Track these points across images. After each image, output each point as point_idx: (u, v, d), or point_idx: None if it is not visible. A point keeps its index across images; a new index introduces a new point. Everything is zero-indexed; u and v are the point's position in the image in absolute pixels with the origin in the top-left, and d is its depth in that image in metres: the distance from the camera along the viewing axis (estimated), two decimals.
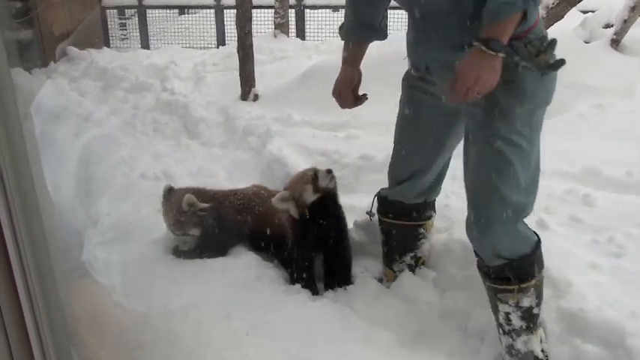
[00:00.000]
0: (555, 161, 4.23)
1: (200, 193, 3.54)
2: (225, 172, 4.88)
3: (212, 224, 3.49)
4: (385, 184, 4.07)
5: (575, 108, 5.24)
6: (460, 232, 3.00)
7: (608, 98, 5.31)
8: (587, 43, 6.41)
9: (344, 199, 4.12)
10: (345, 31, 2.77)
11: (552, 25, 7.46)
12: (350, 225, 3.63)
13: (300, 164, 4.66)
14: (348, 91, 2.84)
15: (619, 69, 5.78)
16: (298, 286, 3.26)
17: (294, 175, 3.40)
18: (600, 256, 3.20)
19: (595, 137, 4.67)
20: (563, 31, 6.30)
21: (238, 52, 6.55)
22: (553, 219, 3.49)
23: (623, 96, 5.37)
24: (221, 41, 10.22)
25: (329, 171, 3.17)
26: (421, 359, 2.68)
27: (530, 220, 3.45)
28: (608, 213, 3.55)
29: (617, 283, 3.01)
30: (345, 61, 2.80)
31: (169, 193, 3.51)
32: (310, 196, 3.11)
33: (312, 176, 3.12)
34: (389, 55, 6.17)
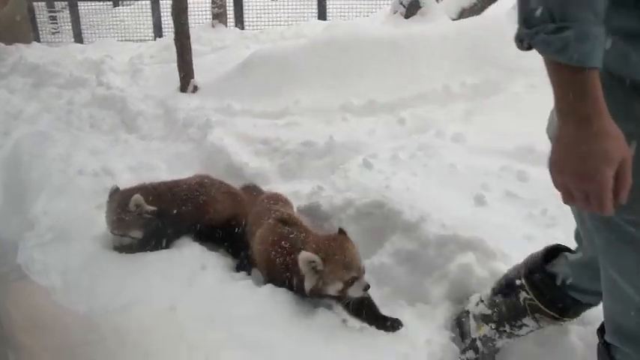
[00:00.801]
0: (491, 140, 4.36)
1: (146, 191, 3.47)
2: (166, 165, 4.81)
3: (156, 226, 3.43)
4: (327, 171, 4.08)
5: (510, 88, 5.40)
6: None
7: (539, 78, 5.46)
8: None
9: (287, 186, 4.16)
10: (588, 45, 1.32)
11: (487, 7, 7.67)
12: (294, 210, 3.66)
13: (241, 154, 4.65)
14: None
15: None
16: (244, 272, 3.26)
17: (337, 243, 2.85)
18: (535, 228, 3.31)
19: (529, 116, 4.79)
20: (497, 14, 6.47)
21: (176, 43, 6.46)
22: (490, 195, 3.59)
23: None
24: (158, 33, 10.05)
25: (367, 288, 2.78)
26: (365, 338, 2.72)
27: (469, 197, 3.58)
28: (541, 187, 3.66)
29: None
30: (599, 113, 1.37)
31: (115, 193, 3.44)
32: (332, 290, 2.79)
33: (349, 281, 2.75)
34: (329, 41, 6.24)
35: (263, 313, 2.72)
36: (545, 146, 4.13)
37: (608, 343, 1.90)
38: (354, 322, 2.85)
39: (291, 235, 3.01)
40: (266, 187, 4.14)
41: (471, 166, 3.95)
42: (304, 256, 2.76)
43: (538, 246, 3.16)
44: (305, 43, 6.48)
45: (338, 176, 4.00)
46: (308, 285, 2.80)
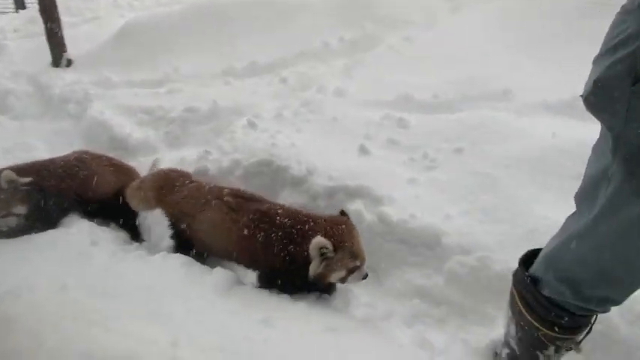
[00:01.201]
0: (371, 92, 4.52)
1: (18, 169, 3.32)
2: (45, 144, 4.59)
3: (38, 198, 3.30)
4: (213, 135, 4.07)
5: (387, 41, 5.57)
6: None
7: (414, 30, 5.70)
8: None
9: (174, 154, 4.11)
10: None
11: None
12: None
13: (124, 125, 4.51)
14: None
15: (422, 2, 6.19)
16: (137, 244, 3.22)
17: (346, 229, 2.83)
18: (417, 171, 3.51)
19: (404, 67, 5.01)
20: None
21: (42, 14, 6.05)
22: (373, 144, 3.74)
23: (426, 27, 5.78)
24: (20, 4, 9.35)
25: (365, 277, 2.84)
26: (257, 293, 2.80)
27: (353, 148, 3.70)
28: (420, 133, 3.87)
29: (433, 193, 3.33)
30: None
31: None
32: (335, 277, 2.79)
33: (352, 269, 2.78)
34: (205, 5, 6.11)
35: (157, 282, 2.72)
36: (420, 95, 4.37)
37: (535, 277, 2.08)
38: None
39: (289, 220, 2.88)
40: (152, 157, 4.07)
41: (354, 118, 4.08)
42: (318, 241, 2.70)
43: (421, 188, 3.37)
44: (181, 8, 6.32)
45: (224, 139, 4.00)
46: (313, 270, 2.76)
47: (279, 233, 2.83)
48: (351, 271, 2.76)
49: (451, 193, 3.32)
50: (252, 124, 4.04)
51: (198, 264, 2.91)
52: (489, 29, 5.39)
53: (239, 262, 3.07)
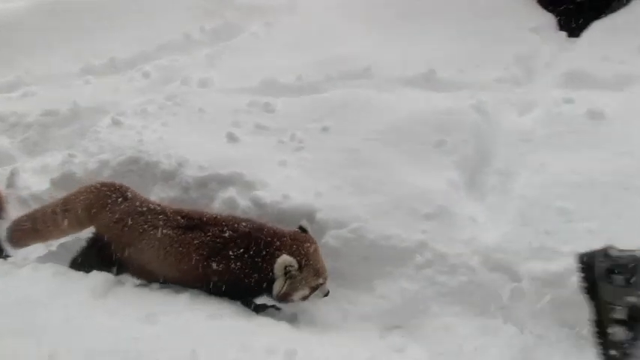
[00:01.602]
0: (235, 79, 4.54)
1: None
2: None
3: None
4: (77, 137, 3.91)
5: (248, 29, 5.58)
6: None
7: (274, 16, 5.75)
8: None
9: (34, 161, 3.91)
10: None
11: None
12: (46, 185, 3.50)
13: None
14: None
15: None
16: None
17: (311, 246, 2.81)
18: (286, 153, 3.58)
19: (267, 52, 5.06)
20: None
21: None
22: (241, 130, 3.76)
23: (286, 12, 5.84)
24: None
25: (327, 294, 2.84)
26: (138, 290, 2.76)
27: (222, 136, 3.71)
28: (287, 115, 3.95)
29: (303, 172, 3.43)
30: None
31: None
32: (298, 296, 2.77)
33: (315, 287, 2.77)
34: (55, 1, 5.78)
35: (29, 294, 2.60)
36: (285, 79, 4.45)
37: None
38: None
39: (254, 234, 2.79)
40: (9, 167, 3.84)
41: (220, 106, 4.08)
42: (284, 259, 2.65)
43: (292, 169, 3.45)
44: (27, 5, 5.90)
45: (89, 140, 3.85)
46: (278, 290, 2.71)
47: (245, 253, 2.74)
48: (314, 289, 2.77)
49: (321, 171, 3.43)
50: (117, 123, 3.91)
51: (72, 270, 2.81)
52: (348, 10, 5.55)
53: (195, 285, 2.86)
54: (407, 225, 3.10)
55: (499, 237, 3.07)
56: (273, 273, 2.69)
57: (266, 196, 3.22)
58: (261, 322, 2.62)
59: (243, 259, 2.74)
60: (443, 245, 3.02)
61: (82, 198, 3.06)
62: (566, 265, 2.88)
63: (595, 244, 2.88)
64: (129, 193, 3.06)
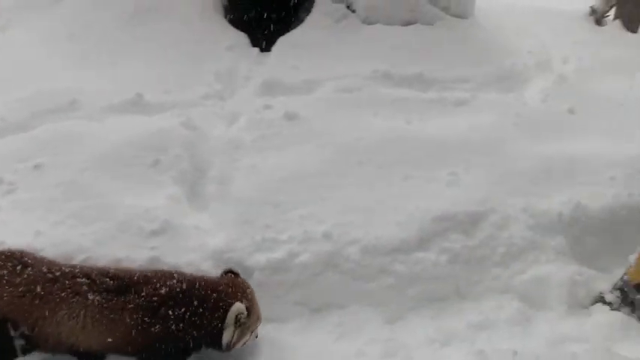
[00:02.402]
0: None
1: None
2: None
3: None
4: None
5: None
6: None
7: None
8: None
9: None
10: None
11: None
12: None
13: None
14: None
15: None
16: None
17: (251, 291, 2.85)
18: None
19: None
20: None
21: None
22: None
23: None
24: None
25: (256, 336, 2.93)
26: None
27: None
28: None
29: (19, 215, 3.30)
30: None
31: None
32: (241, 342, 2.76)
33: (255, 329, 2.85)
34: None
35: None
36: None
37: None
38: None
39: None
40: None
41: None
42: (237, 307, 2.63)
43: (5, 214, 3.28)
44: None
45: None
46: (228, 339, 2.66)
47: (187, 312, 2.63)
48: (253, 334, 2.80)
49: (39, 210, 3.35)
50: None
51: None
52: (50, 45, 5.33)
53: (125, 352, 2.68)
54: (135, 245, 3.21)
55: (225, 238, 3.37)
56: (220, 325, 2.67)
57: None
58: None
59: (185, 318, 2.65)
60: (173, 257, 3.18)
61: None
62: (288, 251, 3.31)
63: (308, 228, 3.39)
64: (27, 259, 2.70)
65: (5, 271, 2.67)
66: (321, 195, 3.66)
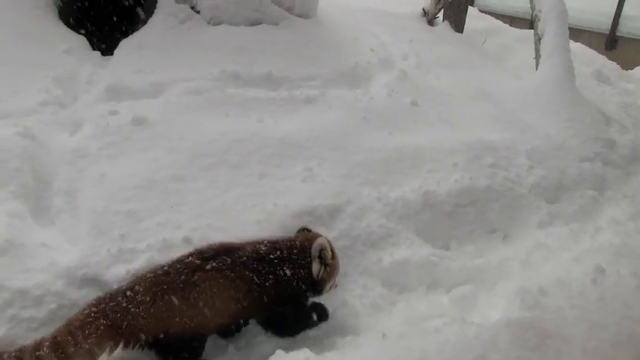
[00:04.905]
0: None
1: None
2: None
3: None
4: None
5: None
6: None
7: None
8: None
9: None
10: None
11: None
12: None
13: None
14: None
15: None
16: None
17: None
18: None
19: None
20: None
21: None
22: None
23: None
24: None
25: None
26: None
27: None
28: None
29: None
30: None
31: None
32: (327, 286, 3.18)
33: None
34: None
35: None
36: None
37: None
38: None
39: None
40: None
41: None
42: (321, 242, 3.04)
43: None
44: None
45: None
46: (315, 270, 3.04)
47: (283, 253, 3.01)
48: (335, 279, 3.16)
49: None
50: None
51: None
52: None
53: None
54: None
55: (78, 254, 3.16)
56: (309, 259, 3.03)
57: None
58: None
59: (285, 260, 3.00)
60: (20, 281, 2.94)
61: None
62: (147, 260, 3.18)
63: (167, 235, 3.28)
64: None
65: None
66: (176, 200, 3.58)
